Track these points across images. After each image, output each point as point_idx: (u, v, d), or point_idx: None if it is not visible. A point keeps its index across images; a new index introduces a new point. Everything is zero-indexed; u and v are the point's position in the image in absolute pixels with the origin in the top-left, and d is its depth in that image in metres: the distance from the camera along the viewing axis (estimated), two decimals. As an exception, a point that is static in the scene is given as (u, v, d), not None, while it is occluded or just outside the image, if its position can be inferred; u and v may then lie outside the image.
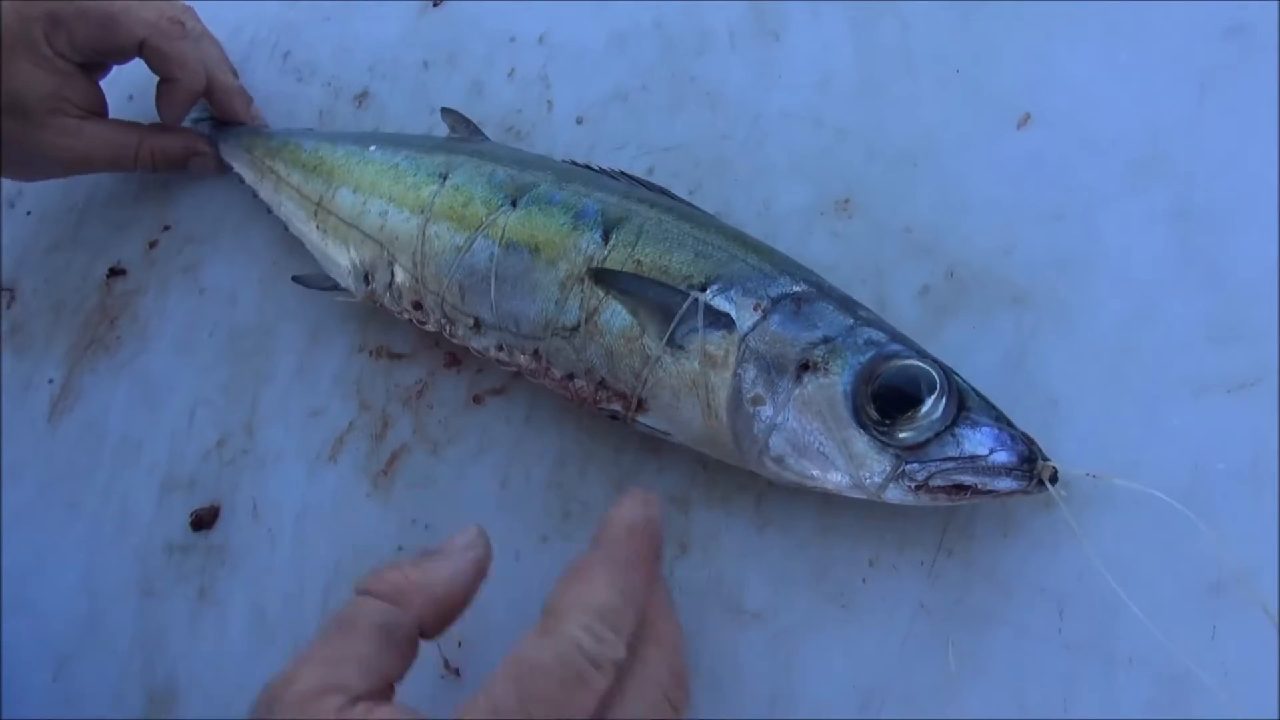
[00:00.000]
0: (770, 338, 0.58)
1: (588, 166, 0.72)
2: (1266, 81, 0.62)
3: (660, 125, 0.78)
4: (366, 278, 0.75)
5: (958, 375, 0.56)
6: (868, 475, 0.55)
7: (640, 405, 0.62)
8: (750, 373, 0.58)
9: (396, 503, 0.73)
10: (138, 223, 0.98)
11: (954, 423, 0.54)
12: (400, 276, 0.73)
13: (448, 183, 0.72)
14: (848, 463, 0.55)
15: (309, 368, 0.81)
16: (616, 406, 0.63)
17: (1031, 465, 0.53)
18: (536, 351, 0.66)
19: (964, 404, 0.55)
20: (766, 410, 0.57)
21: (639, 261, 0.62)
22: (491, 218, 0.68)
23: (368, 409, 0.77)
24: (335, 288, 0.79)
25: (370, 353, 0.79)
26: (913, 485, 0.54)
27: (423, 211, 0.72)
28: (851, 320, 0.58)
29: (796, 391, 0.57)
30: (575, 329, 0.63)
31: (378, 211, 0.75)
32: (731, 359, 0.58)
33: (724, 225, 0.66)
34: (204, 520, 0.79)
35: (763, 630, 0.60)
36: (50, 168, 0.92)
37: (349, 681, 0.46)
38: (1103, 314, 0.61)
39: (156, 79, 0.90)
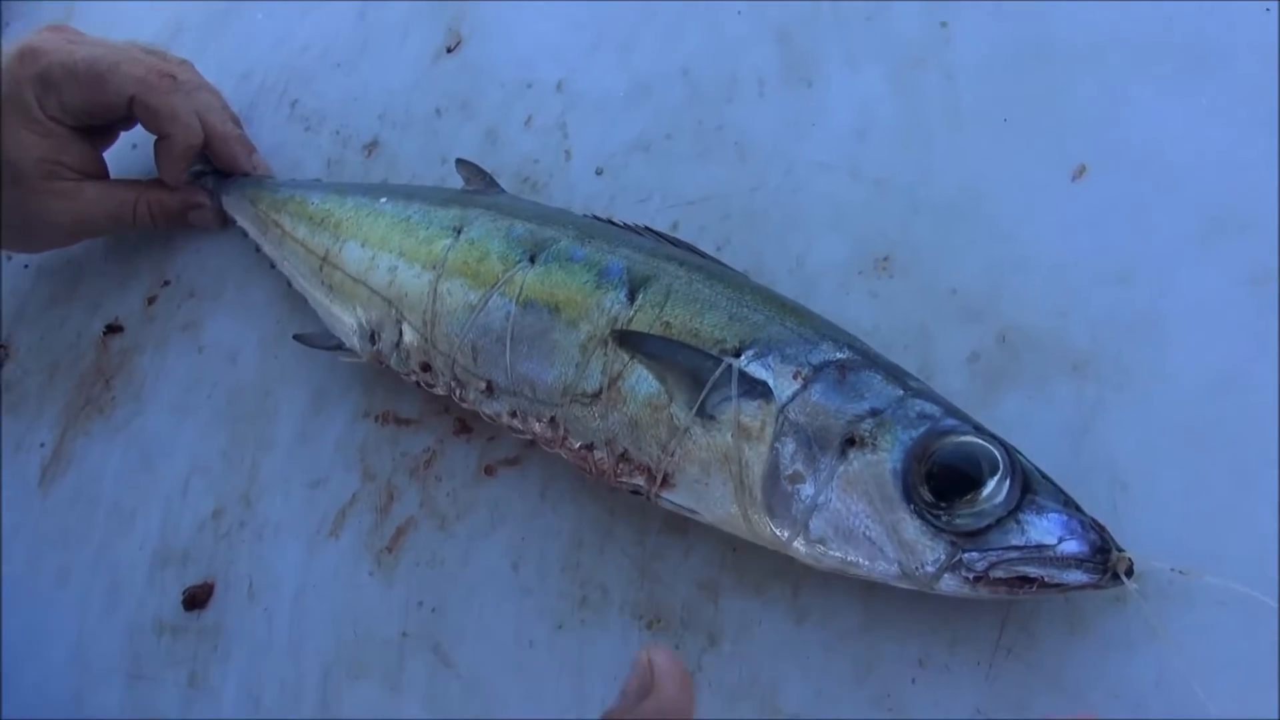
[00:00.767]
0: (812, 409, 0.53)
1: (610, 221, 0.69)
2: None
3: (686, 176, 0.74)
4: (373, 337, 0.71)
5: (1021, 454, 0.51)
6: (919, 564, 0.50)
7: (666, 480, 0.58)
8: (789, 447, 0.53)
9: (401, 582, 0.69)
10: (137, 277, 0.95)
11: (1018, 507, 0.49)
12: (409, 336, 0.69)
13: (462, 237, 0.68)
14: (897, 549, 0.50)
15: (311, 434, 0.78)
16: (639, 481, 0.59)
17: (1105, 556, 0.48)
18: (553, 419, 0.62)
19: (1029, 486, 0.49)
20: (807, 489, 0.52)
21: (668, 323, 0.58)
22: (509, 274, 0.64)
23: (372, 479, 0.73)
24: (339, 347, 0.76)
25: (375, 418, 0.75)
26: (971, 576, 0.49)
27: (435, 267, 0.68)
28: (902, 391, 0.53)
29: (841, 469, 0.52)
30: (596, 395, 0.59)
31: (387, 267, 0.71)
32: (768, 431, 0.54)
33: (758, 285, 0.62)
34: (197, 598, 0.75)
35: (803, 734, 0.55)
36: (52, 234, 0.92)
37: None
38: (1176, 384, 0.55)
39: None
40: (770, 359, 0.55)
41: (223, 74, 0.97)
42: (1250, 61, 0.61)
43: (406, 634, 0.67)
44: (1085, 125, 0.64)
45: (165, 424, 0.85)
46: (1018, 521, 0.49)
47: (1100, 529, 0.49)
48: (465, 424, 0.72)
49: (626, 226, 0.67)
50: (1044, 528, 0.49)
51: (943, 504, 0.50)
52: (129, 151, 0.98)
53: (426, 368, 0.68)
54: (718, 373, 0.55)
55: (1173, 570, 0.49)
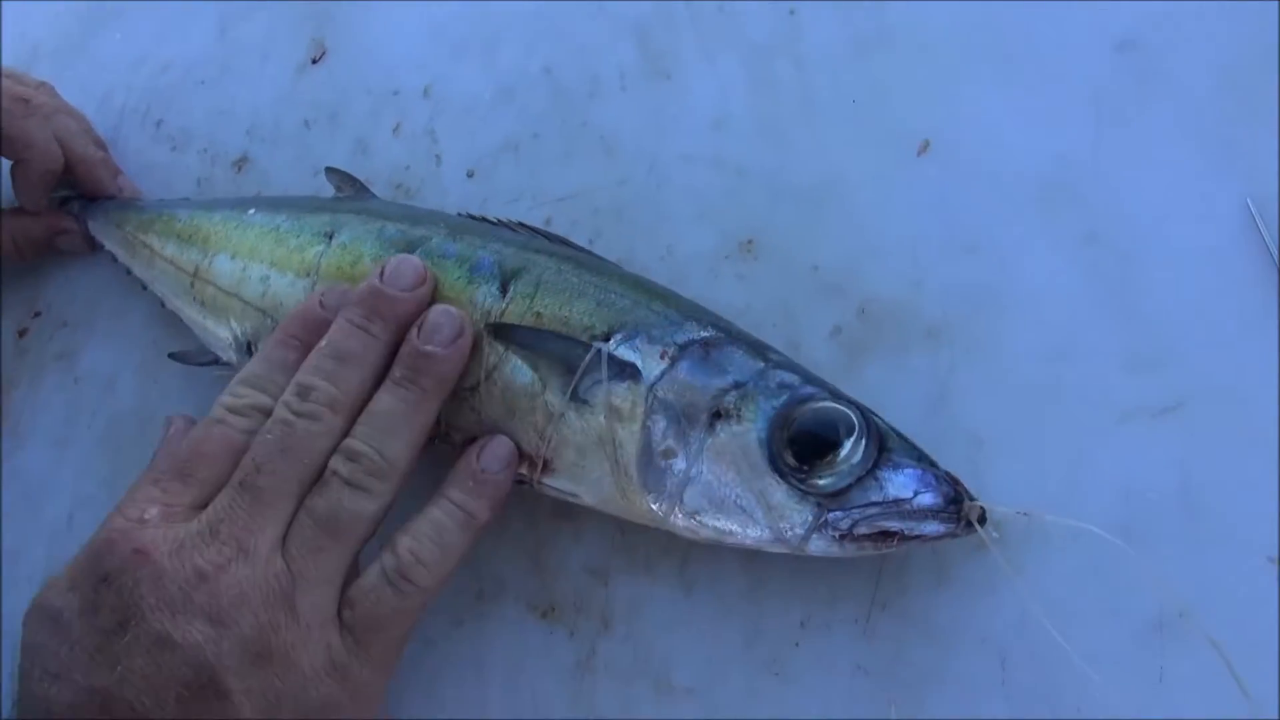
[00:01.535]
0: (679, 386, 0.55)
1: (484, 219, 0.69)
2: (1163, 95, 0.61)
3: (555, 174, 0.75)
4: (249, 348, 0.70)
5: (877, 416, 0.53)
6: (789, 527, 0.52)
7: (546, 466, 0.58)
8: (660, 424, 0.54)
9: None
10: (6, 310, 0.92)
11: (875, 466, 0.51)
12: (286, 346, 0.68)
13: (334, 242, 0.68)
14: (767, 514, 0.52)
15: (194, 452, 0.75)
16: (522, 470, 0.59)
17: (958, 506, 0.50)
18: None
19: (885, 445, 0.52)
20: (679, 463, 0.54)
21: (539, 313, 0.59)
22: (382, 277, 0.64)
23: (258, 492, 0.72)
24: (216, 362, 0.74)
25: (259, 431, 0.74)
26: (836, 535, 0.51)
27: (309, 274, 0.68)
28: (763, 364, 0.55)
29: (710, 441, 0.53)
30: (475, 388, 0.59)
31: (259, 277, 0.70)
32: (639, 411, 0.55)
33: (626, 273, 0.63)
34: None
35: (697, 707, 0.56)
36: None
37: None
38: (1020, 347, 0.58)
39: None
40: (638, 341, 0.56)
41: (85, 96, 0.94)
42: (1054, 39, 0.65)
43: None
44: (928, 107, 0.66)
45: (45, 458, 0.82)
46: (876, 479, 0.51)
47: (954, 481, 0.51)
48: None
49: (500, 223, 0.68)
50: (900, 483, 0.51)
51: (805, 467, 0.51)
52: None
53: (306, 375, 0.68)
54: (588, 358, 0.56)
55: (1018, 513, 0.52)
